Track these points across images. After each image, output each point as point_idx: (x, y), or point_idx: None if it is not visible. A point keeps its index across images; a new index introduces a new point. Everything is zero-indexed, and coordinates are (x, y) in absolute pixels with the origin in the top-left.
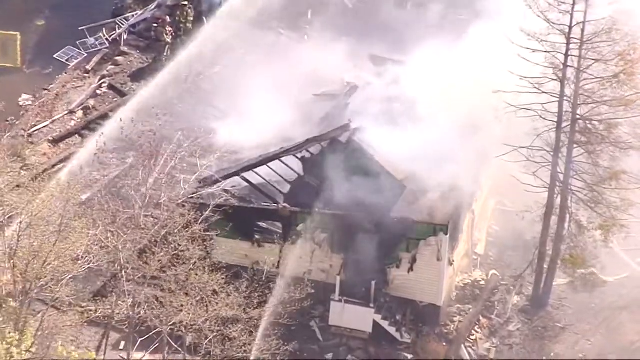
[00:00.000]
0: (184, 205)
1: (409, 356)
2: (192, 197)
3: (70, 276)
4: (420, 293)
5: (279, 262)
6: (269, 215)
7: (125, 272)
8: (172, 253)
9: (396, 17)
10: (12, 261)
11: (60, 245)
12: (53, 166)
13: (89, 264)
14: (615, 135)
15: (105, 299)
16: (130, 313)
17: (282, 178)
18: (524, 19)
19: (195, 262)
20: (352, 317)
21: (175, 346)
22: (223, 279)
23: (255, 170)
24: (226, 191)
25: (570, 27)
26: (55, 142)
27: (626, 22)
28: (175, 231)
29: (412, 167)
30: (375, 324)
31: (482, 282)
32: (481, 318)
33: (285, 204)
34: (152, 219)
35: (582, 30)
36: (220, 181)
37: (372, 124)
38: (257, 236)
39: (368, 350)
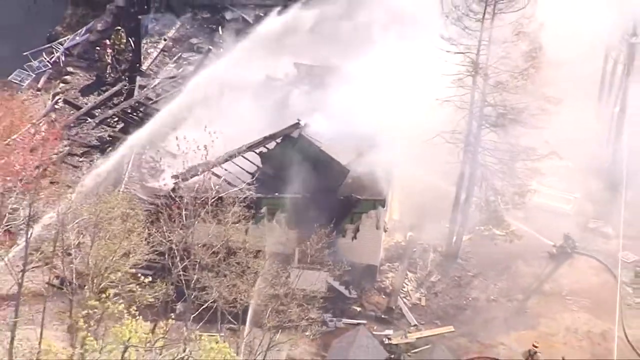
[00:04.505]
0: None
1: (358, 309)
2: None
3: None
4: (362, 256)
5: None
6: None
7: (182, 262)
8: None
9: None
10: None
11: (124, 244)
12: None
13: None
14: (524, 117)
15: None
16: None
17: (244, 170)
18: (445, 27)
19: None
20: (309, 280)
21: (230, 318)
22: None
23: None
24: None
25: (481, 32)
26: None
27: (528, 25)
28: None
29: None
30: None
31: (403, 243)
32: (408, 273)
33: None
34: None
35: (490, 34)
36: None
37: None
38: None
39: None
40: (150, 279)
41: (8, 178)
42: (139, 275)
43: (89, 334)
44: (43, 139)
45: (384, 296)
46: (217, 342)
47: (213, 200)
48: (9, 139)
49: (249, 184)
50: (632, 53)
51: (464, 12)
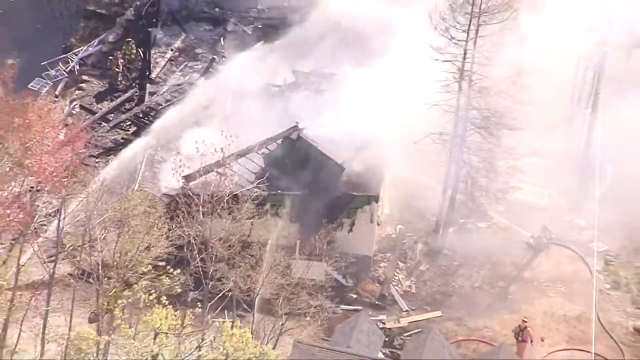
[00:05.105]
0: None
1: (354, 296)
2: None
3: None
4: (357, 248)
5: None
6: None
7: (199, 255)
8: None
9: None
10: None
11: (146, 238)
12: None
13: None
14: (506, 120)
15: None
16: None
17: (249, 170)
18: (434, 37)
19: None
20: (309, 269)
21: (245, 306)
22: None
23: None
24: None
25: (467, 42)
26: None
27: (510, 36)
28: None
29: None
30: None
31: (393, 235)
32: (399, 263)
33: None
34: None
35: (475, 44)
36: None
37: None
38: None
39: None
40: (178, 270)
41: (34, 178)
42: (168, 267)
43: (123, 322)
44: (69, 142)
45: (377, 284)
46: (238, 328)
47: (228, 197)
48: (33, 141)
49: (259, 182)
50: (602, 60)
51: (451, 24)
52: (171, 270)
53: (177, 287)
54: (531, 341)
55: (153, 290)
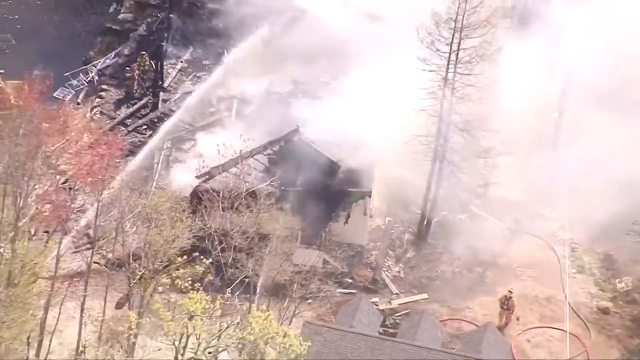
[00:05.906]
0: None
1: (349, 280)
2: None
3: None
4: (352, 237)
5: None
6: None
7: (219, 245)
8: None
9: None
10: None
11: (172, 232)
12: None
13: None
14: (485, 123)
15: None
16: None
17: (254, 169)
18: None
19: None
20: (309, 257)
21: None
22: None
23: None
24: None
25: (450, 54)
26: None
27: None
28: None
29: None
30: (324, 261)
31: (382, 226)
32: (388, 251)
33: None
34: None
35: (457, 56)
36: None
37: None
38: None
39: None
40: (210, 260)
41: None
42: (201, 257)
43: (161, 306)
44: (104, 144)
45: (369, 270)
46: (262, 311)
47: (245, 194)
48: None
49: (272, 180)
50: (571, 69)
51: (436, 37)
52: (203, 259)
53: (209, 274)
54: (512, 311)
55: (188, 277)
